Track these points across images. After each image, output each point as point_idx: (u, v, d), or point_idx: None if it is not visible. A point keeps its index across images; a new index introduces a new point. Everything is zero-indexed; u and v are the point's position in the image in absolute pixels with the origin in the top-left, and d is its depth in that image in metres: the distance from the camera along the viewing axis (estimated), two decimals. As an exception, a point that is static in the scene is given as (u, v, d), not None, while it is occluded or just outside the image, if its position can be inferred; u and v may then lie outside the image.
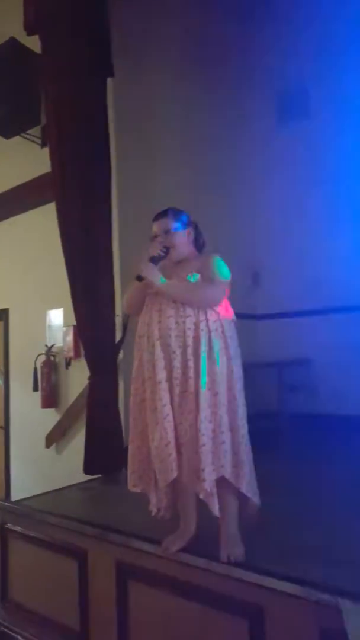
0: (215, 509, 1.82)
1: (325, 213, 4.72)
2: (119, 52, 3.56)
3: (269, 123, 5.16)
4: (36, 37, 3.40)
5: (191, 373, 1.87)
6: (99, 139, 3.35)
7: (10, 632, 2.57)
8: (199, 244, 2.14)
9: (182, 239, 2.05)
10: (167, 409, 1.89)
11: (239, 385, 1.94)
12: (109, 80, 3.53)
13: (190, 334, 1.89)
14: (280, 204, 5.03)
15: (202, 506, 2.01)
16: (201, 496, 1.84)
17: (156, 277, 1.92)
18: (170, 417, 1.89)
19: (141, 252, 2.06)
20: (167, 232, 2.03)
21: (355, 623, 1.45)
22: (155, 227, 2.07)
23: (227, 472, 1.85)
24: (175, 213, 2.08)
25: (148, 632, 2.06)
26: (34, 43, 3.65)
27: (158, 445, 1.88)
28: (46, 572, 2.51)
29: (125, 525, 2.25)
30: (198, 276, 1.95)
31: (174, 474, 1.87)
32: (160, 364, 1.91)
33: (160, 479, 1.91)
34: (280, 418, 4.44)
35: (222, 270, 1.98)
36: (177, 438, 1.89)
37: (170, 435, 1.88)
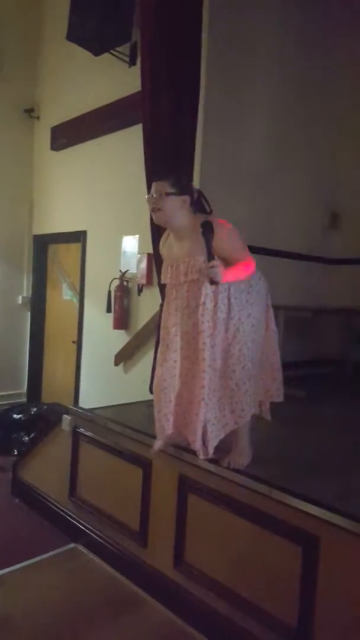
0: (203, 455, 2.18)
1: None
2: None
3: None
4: None
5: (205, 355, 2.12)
6: (191, 58, 3.21)
7: (77, 524, 2.89)
8: (204, 211, 2.19)
9: (174, 205, 2.11)
10: (176, 381, 2.25)
11: (249, 344, 2.15)
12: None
13: (204, 319, 2.10)
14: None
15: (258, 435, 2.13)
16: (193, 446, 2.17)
17: (221, 277, 2.02)
18: (174, 388, 2.25)
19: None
20: (161, 195, 2.11)
21: None
22: (153, 188, 2.15)
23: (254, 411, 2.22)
24: (176, 178, 2.14)
25: (204, 543, 2.22)
26: None
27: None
28: (112, 475, 2.74)
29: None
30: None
31: (168, 431, 2.27)
32: (173, 347, 2.25)
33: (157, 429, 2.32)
34: (345, 366, 4.41)
35: (239, 244, 2.12)
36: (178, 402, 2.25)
37: (173, 397, 2.25)
